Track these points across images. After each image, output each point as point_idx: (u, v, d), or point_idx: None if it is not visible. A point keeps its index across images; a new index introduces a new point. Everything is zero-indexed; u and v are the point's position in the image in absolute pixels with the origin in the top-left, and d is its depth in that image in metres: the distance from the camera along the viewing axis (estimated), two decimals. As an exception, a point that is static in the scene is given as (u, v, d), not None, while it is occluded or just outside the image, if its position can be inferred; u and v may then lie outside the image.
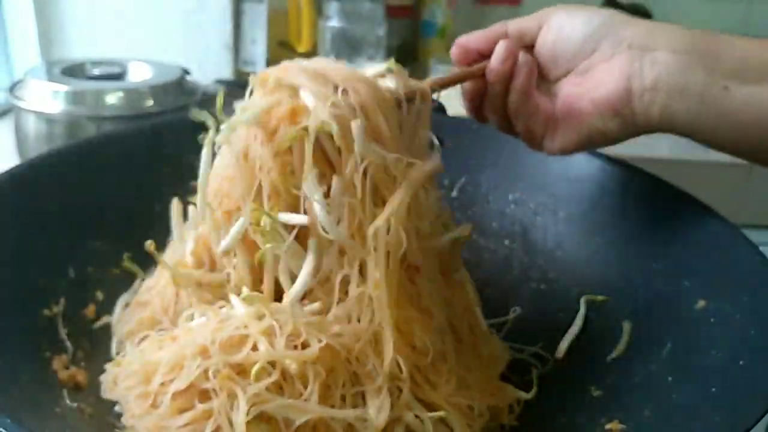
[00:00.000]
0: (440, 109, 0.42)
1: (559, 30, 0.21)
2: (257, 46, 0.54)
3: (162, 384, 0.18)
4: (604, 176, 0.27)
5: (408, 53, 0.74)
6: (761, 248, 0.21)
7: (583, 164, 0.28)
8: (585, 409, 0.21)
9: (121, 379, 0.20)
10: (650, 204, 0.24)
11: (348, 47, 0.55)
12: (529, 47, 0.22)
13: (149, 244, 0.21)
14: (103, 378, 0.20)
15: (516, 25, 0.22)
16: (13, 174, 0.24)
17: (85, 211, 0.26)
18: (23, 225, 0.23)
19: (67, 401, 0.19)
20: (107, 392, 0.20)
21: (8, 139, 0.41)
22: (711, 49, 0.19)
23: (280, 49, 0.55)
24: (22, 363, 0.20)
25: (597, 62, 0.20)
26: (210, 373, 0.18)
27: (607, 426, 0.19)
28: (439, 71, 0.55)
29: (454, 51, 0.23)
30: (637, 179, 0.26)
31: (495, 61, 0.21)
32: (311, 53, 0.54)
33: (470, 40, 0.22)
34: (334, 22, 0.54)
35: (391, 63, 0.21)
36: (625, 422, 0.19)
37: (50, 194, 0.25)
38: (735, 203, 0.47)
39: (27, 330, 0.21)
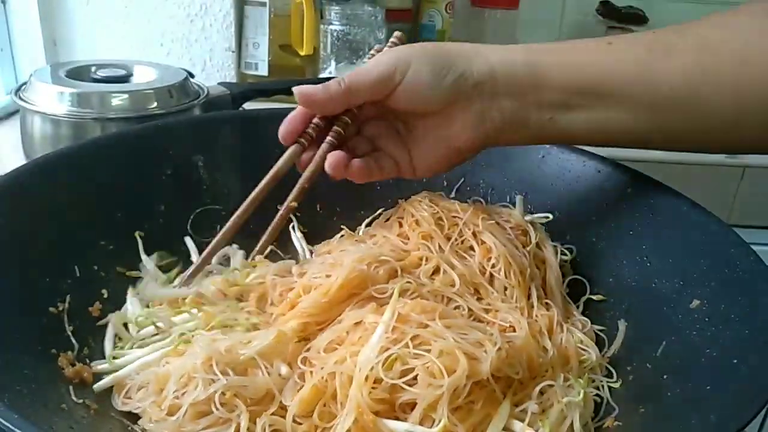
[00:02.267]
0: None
1: (413, 91, 0.22)
2: (259, 49, 0.55)
3: (176, 396, 0.19)
4: (599, 177, 0.27)
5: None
6: (754, 248, 0.22)
7: (578, 166, 0.28)
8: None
9: (133, 392, 0.20)
10: (644, 204, 0.25)
11: (348, 50, 0.56)
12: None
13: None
14: (102, 385, 0.20)
15: (363, 85, 0.22)
16: (19, 174, 0.25)
17: (90, 210, 0.26)
18: (30, 224, 0.24)
19: (73, 397, 0.20)
20: (121, 405, 0.20)
21: (14, 140, 0.42)
22: (535, 86, 0.22)
23: (282, 52, 0.56)
24: (29, 360, 0.20)
25: (452, 112, 0.22)
26: (216, 395, 0.18)
27: (604, 423, 0.20)
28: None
29: (283, 134, 0.23)
30: (631, 180, 0.26)
31: (333, 172, 0.23)
32: (313, 56, 0.55)
33: (297, 117, 0.23)
34: (335, 26, 0.55)
35: None
36: (620, 419, 0.20)
37: (56, 194, 0.25)
38: (728, 203, 0.48)
39: (34, 327, 0.21)
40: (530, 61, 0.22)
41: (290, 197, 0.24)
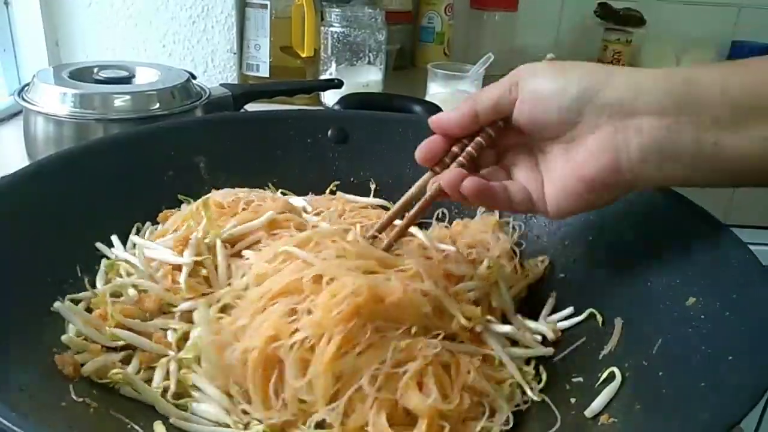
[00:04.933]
0: (438, 111, 0.43)
1: (534, 101, 0.20)
2: (261, 50, 0.55)
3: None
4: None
5: (406, 58, 0.76)
6: (750, 247, 0.22)
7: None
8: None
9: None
10: (641, 203, 0.25)
11: (349, 52, 0.56)
12: (506, 118, 0.21)
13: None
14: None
15: (485, 100, 0.20)
16: (22, 175, 0.25)
17: (92, 211, 0.26)
18: (32, 225, 0.24)
19: (73, 396, 0.20)
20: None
21: (17, 141, 0.42)
22: (695, 100, 0.17)
23: (283, 54, 0.56)
24: (30, 359, 0.20)
25: (581, 133, 0.19)
26: None
27: (599, 420, 0.20)
28: (436, 75, 0.56)
29: (419, 155, 0.21)
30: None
31: (447, 190, 0.20)
32: (313, 58, 0.56)
33: (434, 145, 0.21)
34: (336, 28, 0.56)
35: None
36: (615, 416, 0.20)
37: (59, 195, 0.26)
38: (725, 203, 0.48)
39: (35, 326, 0.21)
40: (686, 76, 0.18)
41: (414, 210, 0.22)
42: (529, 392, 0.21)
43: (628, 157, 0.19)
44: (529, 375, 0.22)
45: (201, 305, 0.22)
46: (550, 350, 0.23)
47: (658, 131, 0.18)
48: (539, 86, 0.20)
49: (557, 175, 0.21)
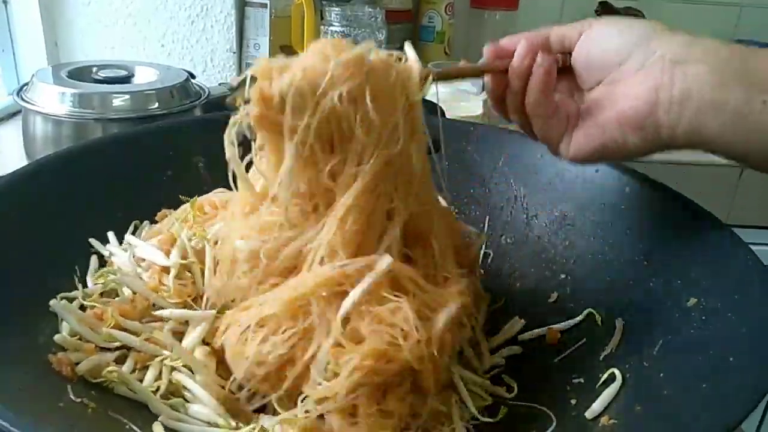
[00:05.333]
0: (439, 112, 0.42)
1: (596, 39, 0.21)
2: (260, 50, 0.55)
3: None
4: (597, 177, 0.28)
5: (408, 57, 0.76)
6: (751, 247, 0.22)
7: (577, 166, 0.28)
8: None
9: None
10: (643, 204, 0.25)
11: (349, 51, 0.56)
12: (568, 53, 0.22)
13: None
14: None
15: (558, 30, 0.22)
16: (20, 175, 0.25)
17: (91, 211, 0.26)
18: (31, 225, 0.24)
19: (71, 396, 0.20)
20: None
21: (16, 141, 0.42)
22: (749, 62, 0.17)
23: (283, 53, 0.56)
24: (28, 359, 0.20)
25: (627, 73, 0.20)
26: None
27: (599, 421, 0.20)
28: (438, 75, 0.55)
29: (487, 50, 0.22)
30: (629, 180, 0.26)
31: (515, 58, 0.21)
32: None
33: (507, 43, 0.22)
34: (335, 27, 0.55)
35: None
36: (616, 417, 0.20)
37: (57, 195, 0.26)
38: (726, 203, 0.48)
39: (34, 325, 0.21)
40: (742, 47, 0.18)
41: (474, 65, 0.23)
42: (476, 414, 0.21)
43: (669, 96, 0.18)
44: (486, 401, 0.22)
45: (191, 324, 0.22)
46: (501, 390, 0.22)
47: (706, 76, 0.18)
48: (605, 28, 0.21)
49: (594, 109, 0.21)
